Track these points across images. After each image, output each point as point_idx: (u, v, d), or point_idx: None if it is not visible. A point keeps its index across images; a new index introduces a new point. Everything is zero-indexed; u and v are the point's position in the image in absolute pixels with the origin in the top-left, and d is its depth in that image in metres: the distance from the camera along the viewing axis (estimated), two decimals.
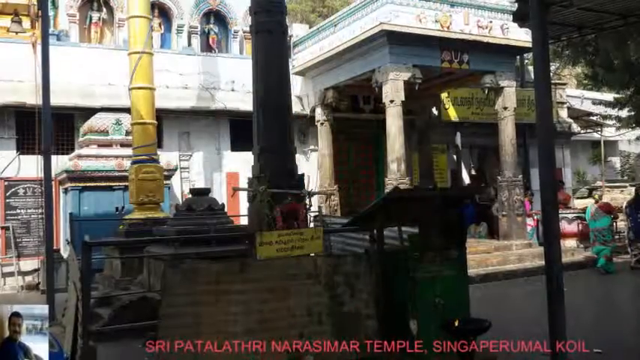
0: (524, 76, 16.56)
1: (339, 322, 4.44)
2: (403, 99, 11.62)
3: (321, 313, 4.40)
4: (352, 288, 4.56)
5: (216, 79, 13.86)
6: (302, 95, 14.56)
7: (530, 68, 16.25)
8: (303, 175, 6.13)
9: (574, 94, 21.30)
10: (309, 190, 6.04)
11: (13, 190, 12.04)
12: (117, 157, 11.29)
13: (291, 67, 12.42)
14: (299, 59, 14.19)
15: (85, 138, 11.64)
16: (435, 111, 15.28)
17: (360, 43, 11.86)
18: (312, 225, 7.27)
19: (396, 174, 11.52)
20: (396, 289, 4.91)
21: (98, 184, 11.18)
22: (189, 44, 14.23)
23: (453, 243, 5.05)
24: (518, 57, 15.19)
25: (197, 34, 14.38)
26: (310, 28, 15.26)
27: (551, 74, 14.08)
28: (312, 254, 4.74)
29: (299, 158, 11.33)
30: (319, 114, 13.84)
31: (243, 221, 9.50)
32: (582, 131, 19.84)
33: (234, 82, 13.96)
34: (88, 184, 11.14)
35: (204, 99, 13.51)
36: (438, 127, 15.25)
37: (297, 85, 14.20)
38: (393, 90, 11.50)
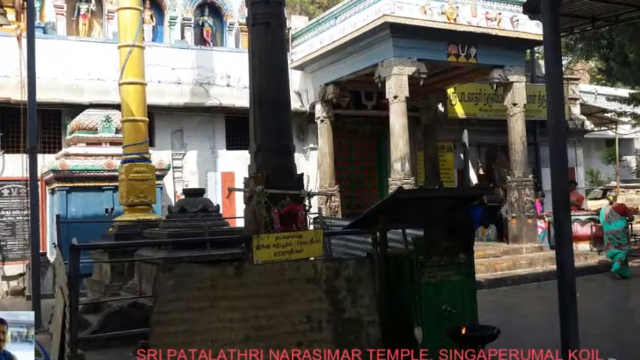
0: (535, 71, 16.63)
1: (340, 330, 4.44)
2: (407, 95, 11.63)
3: (321, 320, 4.40)
4: (354, 293, 4.56)
5: (210, 74, 13.86)
6: (301, 91, 14.57)
7: (541, 62, 16.38)
8: (302, 174, 6.13)
9: (587, 90, 21.34)
10: (309, 190, 6.04)
11: None
12: (106, 155, 11.30)
13: (289, 61, 12.41)
14: (298, 53, 14.20)
15: (72, 136, 11.64)
16: (440, 107, 15.30)
17: (362, 36, 11.87)
18: (311, 227, 7.27)
19: (399, 173, 11.53)
20: (399, 295, 4.91)
21: (87, 184, 11.19)
22: (183, 37, 14.24)
23: (460, 246, 5.05)
24: (528, 51, 15.26)
25: (191, 26, 14.38)
26: (310, 20, 15.27)
27: (563, 69, 15.18)
28: (312, 258, 4.74)
29: (298, 157, 11.34)
30: (319, 110, 13.85)
31: (239, 223, 9.50)
32: (596, 129, 19.87)
33: (229, 77, 13.97)
34: (76, 185, 11.14)
35: (199, 95, 13.52)
36: (444, 124, 15.28)
37: (295, 80, 14.21)
38: (396, 85, 11.50)
